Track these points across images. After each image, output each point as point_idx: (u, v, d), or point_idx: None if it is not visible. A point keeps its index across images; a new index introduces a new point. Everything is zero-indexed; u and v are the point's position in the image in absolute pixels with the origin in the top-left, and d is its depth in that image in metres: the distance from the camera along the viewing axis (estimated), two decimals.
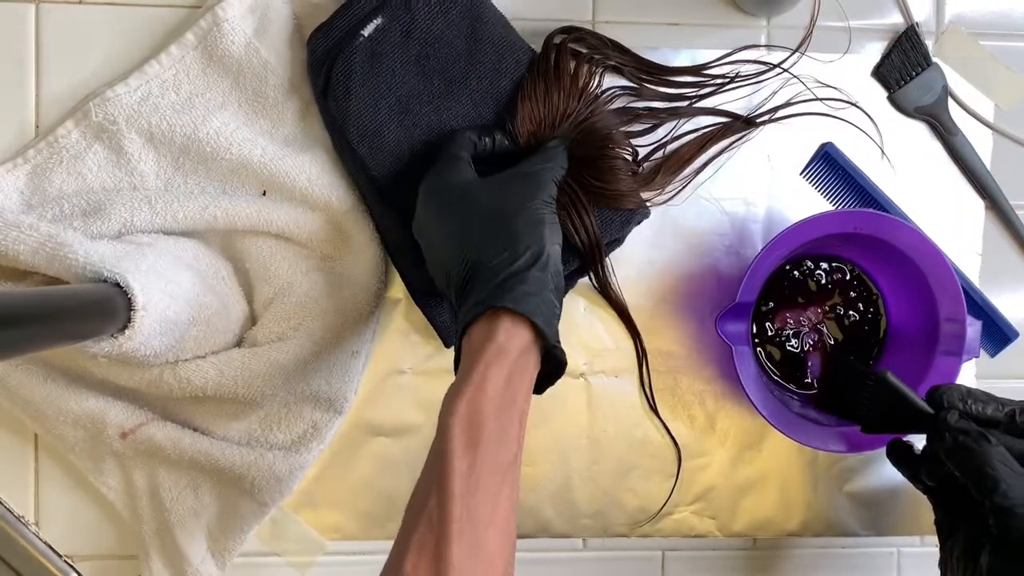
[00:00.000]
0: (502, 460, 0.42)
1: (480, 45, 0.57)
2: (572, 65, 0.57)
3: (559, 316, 0.47)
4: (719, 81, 0.61)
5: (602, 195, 0.57)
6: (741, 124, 0.61)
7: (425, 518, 0.40)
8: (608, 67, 0.60)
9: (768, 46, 0.62)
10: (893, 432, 0.55)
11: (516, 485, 0.43)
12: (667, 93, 0.61)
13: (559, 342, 0.46)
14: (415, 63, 0.57)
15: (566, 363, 0.47)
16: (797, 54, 0.62)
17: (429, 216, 0.51)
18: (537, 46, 0.59)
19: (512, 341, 0.44)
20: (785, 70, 0.62)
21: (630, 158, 0.59)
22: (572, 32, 0.59)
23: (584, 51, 0.59)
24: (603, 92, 0.59)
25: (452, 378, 0.46)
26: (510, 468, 0.42)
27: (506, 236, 0.47)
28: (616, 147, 0.57)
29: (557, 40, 0.58)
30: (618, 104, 0.60)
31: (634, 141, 0.60)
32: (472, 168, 0.53)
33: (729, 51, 0.61)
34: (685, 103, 0.61)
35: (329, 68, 0.55)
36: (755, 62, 0.62)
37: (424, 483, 0.42)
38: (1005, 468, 0.47)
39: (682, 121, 0.61)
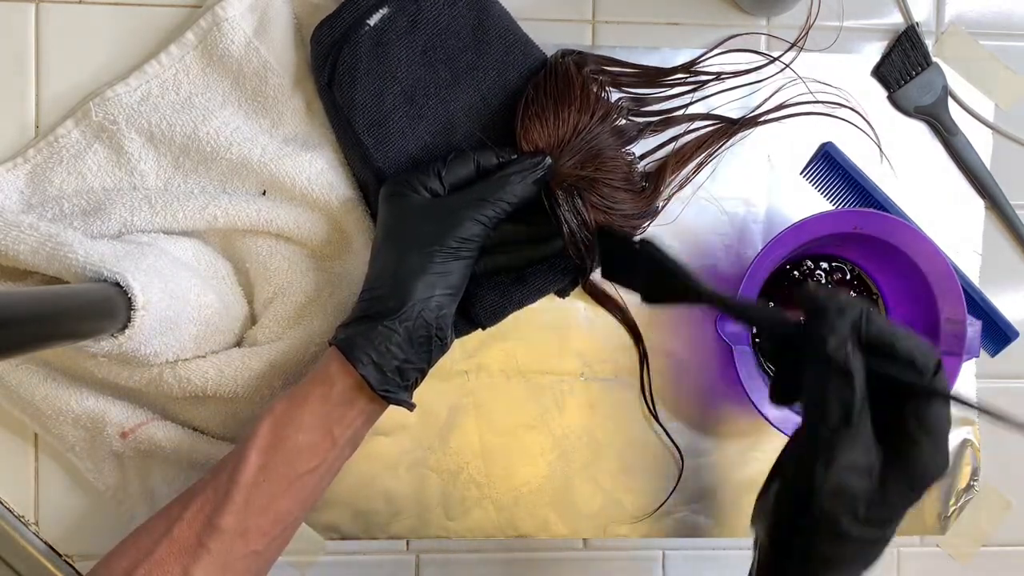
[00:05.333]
0: (297, 469, 0.49)
1: (487, 37, 0.57)
2: (581, 81, 0.56)
3: (417, 366, 0.51)
4: (716, 71, 0.61)
5: (607, 215, 0.56)
6: (739, 127, 0.61)
7: (214, 485, 0.48)
8: (611, 83, 0.59)
9: (768, 36, 0.62)
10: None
11: (307, 493, 0.50)
12: (668, 96, 0.61)
13: (399, 388, 0.50)
14: (421, 53, 0.57)
15: (410, 407, 0.52)
16: (795, 50, 0.62)
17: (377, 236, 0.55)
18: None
19: (340, 378, 0.50)
20: (778, 59, 0.62)
21: (633, 177, 0.58)
22: (574, 54, 0.58)
23: (588, 70, 0.58)
24: (612, 104, 0.58)
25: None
26: (303, 477, 0.49)
27: (384, 280, 0.51)
28: (619, 169, 0.57)
29: (564, 59, 0.57)
30: (620, 123, 0.59)
31: (635, 150, 0.60)
32: (419, 196, 0.53)
33: (722, 40, 0.62)
34: (684, 107, 0.61)
35: (335, 58, 0.56)
36: (754, 52, 0.62)
37: (230, 456, 0.50)
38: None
39: (683, 129, 0.61)
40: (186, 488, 0.51)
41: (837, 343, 0.40)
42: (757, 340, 0.53)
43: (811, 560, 0.41)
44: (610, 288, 0.62)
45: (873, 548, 0.42)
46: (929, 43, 0.64)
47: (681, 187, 0.61)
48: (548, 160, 0.54)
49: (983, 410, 0.41)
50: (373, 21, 0.56)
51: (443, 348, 0.53)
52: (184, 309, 0.52)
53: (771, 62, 0.62)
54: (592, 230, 0.56)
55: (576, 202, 0.55)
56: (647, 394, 0.62)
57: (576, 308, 0.62)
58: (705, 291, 0.47)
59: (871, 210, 0.58)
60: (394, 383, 0.50)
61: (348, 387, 0.50)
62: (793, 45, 0.62)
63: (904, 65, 0.63)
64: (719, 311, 0.49)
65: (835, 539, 0.41)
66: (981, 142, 0.64)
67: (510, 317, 0.60)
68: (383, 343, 0.49)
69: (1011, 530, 0.66)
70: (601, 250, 0.56)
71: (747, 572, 0.46)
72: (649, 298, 0.51)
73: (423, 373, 0.52)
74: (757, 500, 0.45)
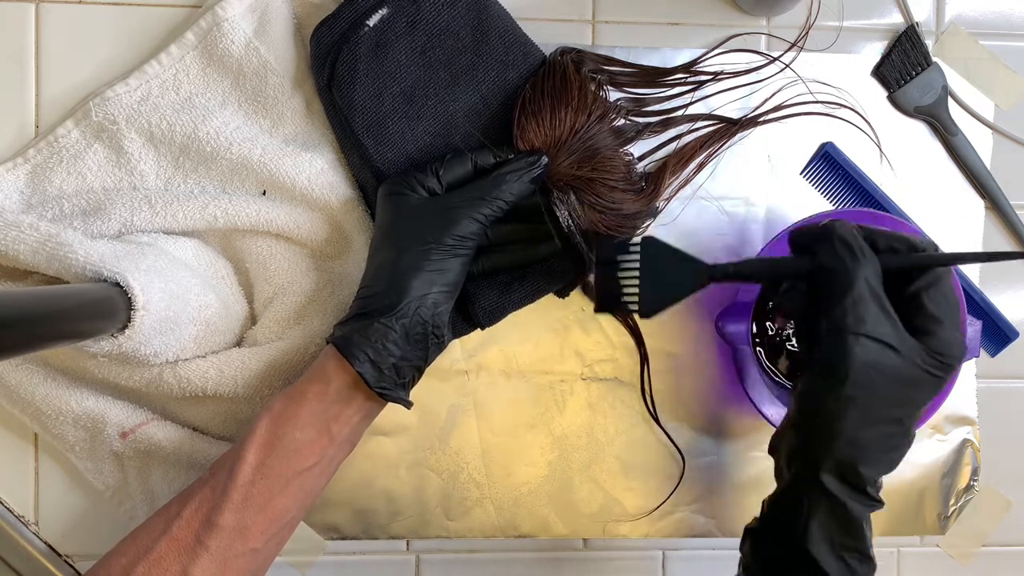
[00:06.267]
0: (295, 466, 0.49)
1: (487, 37, 0.57)
2: (579, 80, 0.57)
3: (414, 363, 0.51)
4: (716, 71, 0.61)
5: (607, 215, 0.56)
6: (738, 127, 0.61)
7: (213, 484, 0.49)
8: (610, 82, 0.59)
9: (768, 36, 0.62)
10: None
11: (306, 490, 0.50)
12: (668, 96, 0.61)
13: (396, 385, 0.51)
14: (420, 54, 0.57)
15: (407, 405, 0.52)
16: (795, 51, 0.62)
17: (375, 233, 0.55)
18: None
19: (337, 375, 0.50)
20: (778, 59, 0.62)
21: (631, 177, 0.58)
22: (573, 52, 0.58)
23: (587, 69, 0.58)
24: (610, 104, 0.58)
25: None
26: (301, 475, 0.49)
27: (381, 277, 0.51)
28: (616, 170, 0.57)
29: (562, 58, 0.58)
30: (618, 123, 0.59)
31: (634, 151, 0.60)
32: (417, 195, 0.53)
33: (722, 40, 0.62)
34: (684, 107, 0.61)
35: (334, 59, 0.56)
36: (754, 52, 0.62)
37: (229, 454, 0.50)
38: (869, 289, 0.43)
39: (683, 129, 0.61)
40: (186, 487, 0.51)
41: (846, 232, 0.44)
42: (771, 307, 0.53)
43: (837, 440, 0.43)
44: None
45: (896, 439, 0.44)
46: (929, 43, 0.64)
47: (681, 187, 0.61)
48: (544, 159, 0.55)
49: (990, 256, 0.45)
50: (372, 22, 0.56)
51: (440, 346, 0.53)
52: (184, 309, 0.52)
53: (771, 62, 0.62)
54: (589, 230, 0.56)
55: (573, 202, 0.55)
56: (647, 396, 0.62)
57: (576, 308, 0.62)
58: (718, 268, 0.48)
59: (871, 210, 0.58)
60: (391, 380, 0.50)
61: (345, 384, 0.50)
62: (793, 45, 0.62)
63: (904, 65, 0.63)
64: (733, 282, 0.48)
65: (863, 421, 0.42)
66: (981, 142, 0.64)
67: (510, 317, 0.60)
68: (380, 340, 0.49)
69: (1011, 530, 0.66)
70: (599, 279, 0.53)
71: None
72: (651, 305, 0.50)
73: (420, 371, 0.52)
74: (776, 433, 0.47)
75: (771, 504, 0.47)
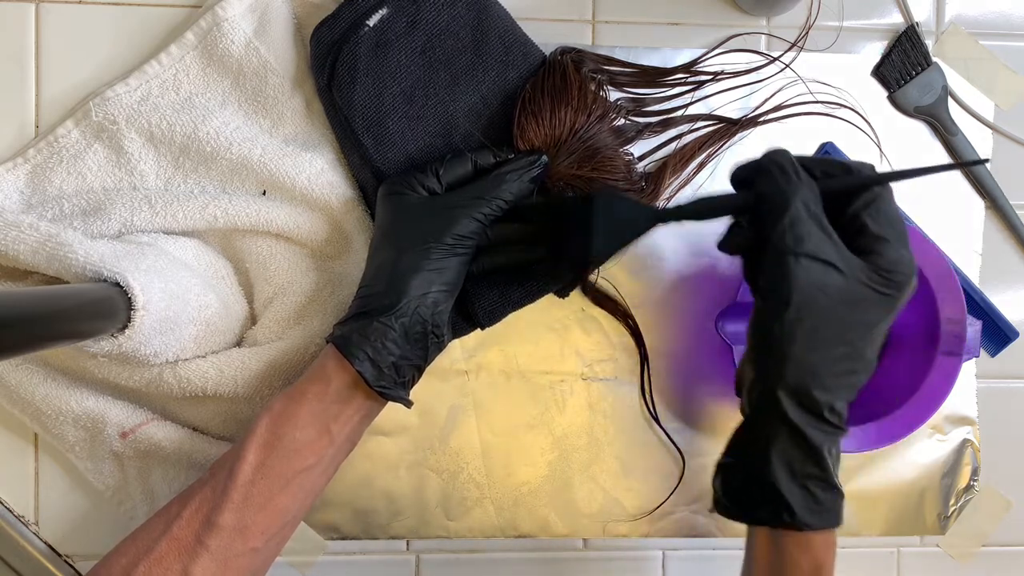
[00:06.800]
0: (294, 466, 0.49)
1: (487, 37, 0.57)
2: (579, 80, 0.57)
3: (414, 362, 0.51)
4: (716, 71, 0.61)
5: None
6: (738, 127, 0.61)
7: (213, 483, 0.49)
8: (610, 82, 0.59)
9: (768, 36, 0.62)
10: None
11: (306, 490, 0.50)
12: (668, 96, 0.61)
13: (396, 384, 0.50)
14: (420, 54, 0.57)
15: (407, 404, 0.52)
16: (795, 51, 0.62)
17: (375, 233, 0.55)
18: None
19: (336, 375, 0.50)
20: (778, 59, 0.62)
21: (632, 177, 0.59)
22: (573, 52, 0.59)
23: (587, 69, 0.58)
24: (610, 105, 0.58)
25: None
26: (301, 474, 0.49)
27: (381, 277, 0.51)
28: (617, 170, 0.57)
29: (562, 58, 0.58)
30: (618, 123, 0.59)
31: (634, 150, 0.60)
32: (416, 195, 0.54)
33: (722, 40, 0.62)
34: (684, 107, 0.61)
35: (334, 59, 0.56)
36: (754, 52, 0.62)
37: (229, 454, 0.50)
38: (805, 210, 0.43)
39: (683, 129, 0.61)
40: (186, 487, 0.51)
41: (781, 158, 0.44)
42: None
43: (787, 364, 0.43)
44: (610, 288, 0.62)
45: (850, 362, 0.43)
46: (929, 43, 0.64)
47: (681, 187, 0.61)
48: (544, 159, 0.55)
49: (922, 171, 0.46)
50: (372, 22, 0.56)
51: (439, 345, 0.53)
52: (184, 309, 0.52)
53: (771, 62, 0.62)
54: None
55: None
56: (647, 396, 0.62)
57: (576, 308, 0.62)
58: (666, 211, 0.49)
59: None
60: (390, 379, 0.50)
61: (345, 384, 0.50)
62: (793, 45, 0.62)
63: (904, 65, 0.63)
64: (680, 220, 0.49)
65: (812, 344, 0.42)
66: (981, 142, 0.64)
67: (510, 317, 0.60)
68: (379, 339, 0.49)
69: (1011, 530, 0.66)
70: (551, 225, 0.55)
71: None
72: (603, 249, 0.51)
73: (420, 370, 0.52)
74: (737, 370, 0.47)
75: (735, 436, 0.47)
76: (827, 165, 0.45)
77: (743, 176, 0.46)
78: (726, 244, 0.47)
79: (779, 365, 0.43)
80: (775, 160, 0.44)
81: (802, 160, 0.45)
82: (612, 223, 0.51)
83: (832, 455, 0.44)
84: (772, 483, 0.44)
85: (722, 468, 0.48)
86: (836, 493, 0.45)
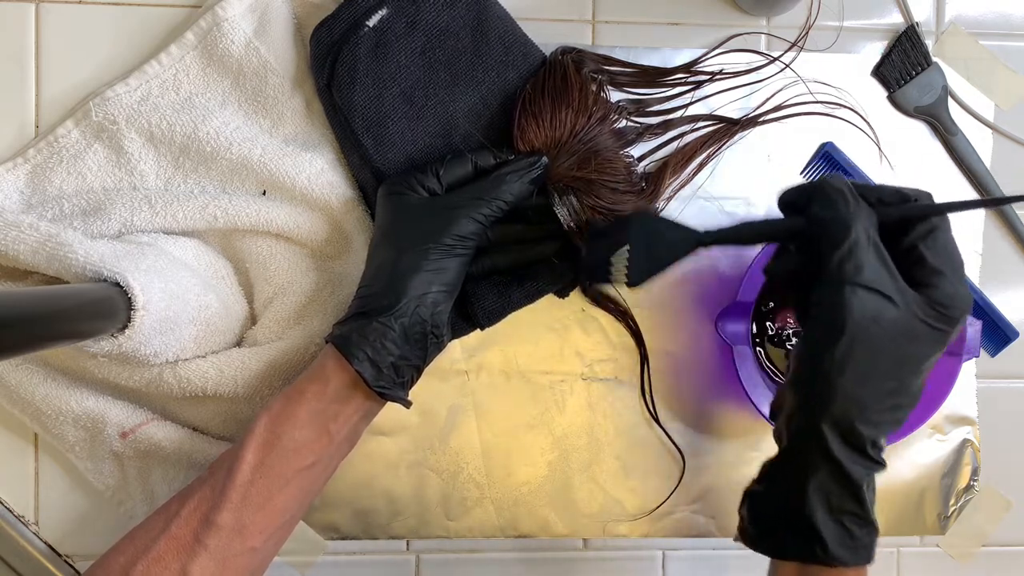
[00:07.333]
0: (293, 466, 0.49)
1: (487, 38, 0.57)
2: (579, 82, 0.57)
3: (413, 362, 0.51)
4: (713, 70, 0.61)
5: (606, 216, 0.56)
6: (739, 127, 0.61)
7: (212, 483, 0.49)
8: (610, 83, 0.59)
9: (768, 36, 0.62)
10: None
11: (305, 490, 0.50)
12: (668, 96, 0.61)
13: (395, 384, 0.51)
14: (420, 55, 0.57)
15: (406, 404, 0.52)
16: (795, 51, 0.62)
17: (375, 233, 0.55)
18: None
19: (336, 374, 0.50)
20: (778, 59, 0.62)
21: (632, 179, 0.58)
22: (573, 52, 0.58)
23: (588, 69, 0.58)
24: (611, 106, 0.58)
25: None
26: (300, 474, 0.49)
27: (380, 277, 0.51)
28: (617, 172, 0.57)
29: (563, 58, 0.58)
30: (619, 125, 0.59)
31: (634, 151, 0.60)
32: (416, 195, 0.53)
33: (722, 40, 0.62)
34: (684, 107, 0.61)
35: (334, 59, 0.56)
36: (754, 52, 0.62)
37: (228, 453, 0.50)
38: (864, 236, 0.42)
39: (684, 129, 0.61)
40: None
41: (839, 182, 0.43)
42: (771, 307, 0.52)
43: (835, 397, 0.41)
44: (610, 288, 0.62)
45: (898, 397, 0.42)
46: (929, 43, 0.64)
47: (681, 187, 0.61)
48: (544, 160, 0.55)
49: (987, 203, 0.46)
50: (372, 22, 0.56)
51: (439, 345, 0.53)
52: (184, 309, 0.52)
53: (771, 62, 0.62)
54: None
55: (573, 203, 0.55)
56: (647, 396, 0.62)
57: (576, 308, 0.62)
58: (706, 234, 0.47)
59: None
60: (389, 379, 0.50)
61: (344, 384, 0.50)
62: (793, 45, 0.62)
63: (904, 65, 0.63)
64: (722, 246, 0.48)
65: (862, 378, 0.41)
66: (981, 142, 0.64)
67: (510, 317, 0.60)
68: (378, 339, 0.49)
69: (1011, 530, 0.66)
70: (585, 254, 0.54)
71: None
72: (640, 274, 0.50)
73: (419, 370, 0.52)
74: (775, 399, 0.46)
75: (770, 465, 0.46)
76: (881, 192, 0.43)
77: (792, 200, 0.45)
78: (775, 270, 0.46)
79: (825, 397, 0.41)
80: (833, 185, 0.43)
81: (857, 186, 0.43)
82: (651, 246, 0.49)
83: (870, 490, 0.43)
84: (807, 516, 0.42)
85: (750, 496, 0.46)
86: (872, 529, 0.43)
